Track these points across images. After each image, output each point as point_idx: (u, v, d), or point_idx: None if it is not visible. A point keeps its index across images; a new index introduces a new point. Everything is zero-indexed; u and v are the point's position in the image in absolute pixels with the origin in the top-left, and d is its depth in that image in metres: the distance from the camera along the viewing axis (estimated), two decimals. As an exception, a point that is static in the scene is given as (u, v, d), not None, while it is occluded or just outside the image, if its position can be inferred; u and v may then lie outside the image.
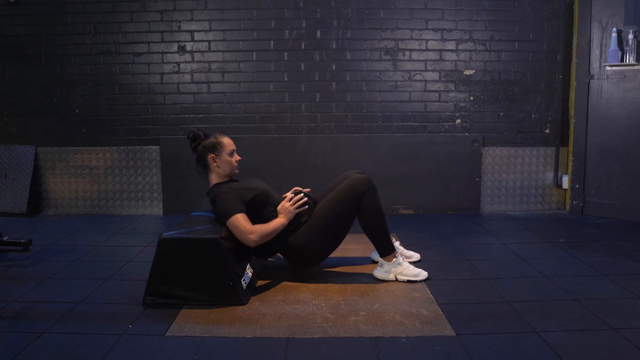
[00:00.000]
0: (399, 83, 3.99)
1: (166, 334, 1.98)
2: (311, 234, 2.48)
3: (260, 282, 2.53)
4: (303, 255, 2.53)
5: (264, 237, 2.39)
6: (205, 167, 2.57)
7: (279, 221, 2.44)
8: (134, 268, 2.77)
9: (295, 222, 2.50)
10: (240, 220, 2.36)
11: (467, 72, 3.98)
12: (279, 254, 2.72)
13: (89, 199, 4.13)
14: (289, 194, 2.54)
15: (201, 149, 2.55)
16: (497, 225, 3.65)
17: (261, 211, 2.50)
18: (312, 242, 2.49)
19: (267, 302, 2.28)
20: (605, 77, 3.73)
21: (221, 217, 2.42)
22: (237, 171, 2.60)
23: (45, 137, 4.09)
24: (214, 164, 2.53)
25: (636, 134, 3.63)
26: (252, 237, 2.36)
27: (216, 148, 2.53)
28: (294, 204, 2.47)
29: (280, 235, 2.47)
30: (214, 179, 2.56)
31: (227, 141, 2.57)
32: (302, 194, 2.53)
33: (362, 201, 2.46)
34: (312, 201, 2.56)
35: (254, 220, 2.43)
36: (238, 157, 2.59)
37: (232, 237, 2.39)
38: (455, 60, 3.97)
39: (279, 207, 2.49)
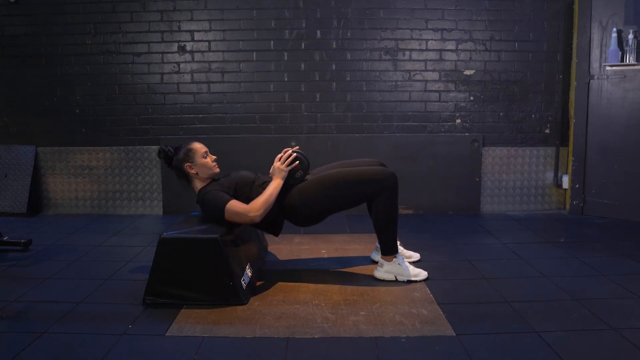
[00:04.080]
0: (399, 83, 3.99)
1: (166, 334, 1.98)
2: (312, 196, 2.47)
3: (260, 282, 2.53)
4: (298, 212, 2.50)
5: (265, 205, 2.37)
6: (187, 178, 2.57)
7: (274, 183, 2.43)
8: (134, 268, 2.77)
9: (291, 179, 2.49)
10: (234, 206, 2.36)
11: (467, 72, 3.98)
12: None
13: (89, 199, 4.13)
14: (279, 155, 2.52)
15: (176, 163, 2.55)
16: (497, 225, 3.65)
17: (247, 194, 2.48)
18: (310, 204, 2.48)
19: (267, 302, 2.28)
20: (605, 77, 3.73)
21: (217, 215, 2.41)
22: (217, 170, 2.58)
23: (45, 137, 4.09)
24: (193, 172, 2.54)
25: (636, 134, 3.63)
26: (254, 213, 2.34)
27: (189, 156, 2.53)
28: (284, 162, 2.47)
29: (281, 197, 2.46)
30: (198, 184, 2.56)
31: (196, 146, 2.56)
32: (290, 151, 2.50)
33: (381, 195, 2.46)
34: (304, 157, 2.52)
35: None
36: (213, 157, 2.59)
37: (231, 237, 2.38)
38: (455, 60, 3.97)
39: (270, 170, 2.49)
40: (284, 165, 2.46)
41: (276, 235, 2.64)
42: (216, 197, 2.40)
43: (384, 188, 2.46)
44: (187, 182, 2.59)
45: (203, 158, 2.54)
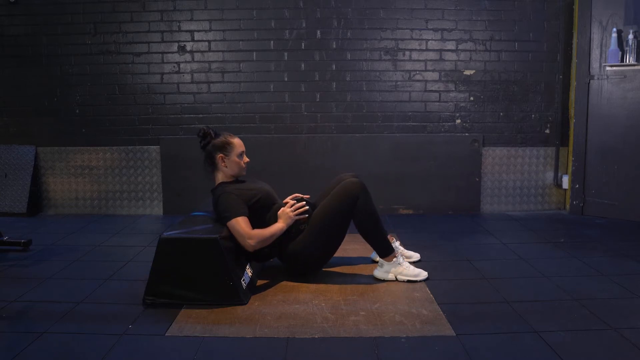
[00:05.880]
0: (399, 83, 3.99)
1: (166, 334, 1.98)
2: (308, 240, 2.48)
3: (260, 282, 2.53)
4: (301, 262, 2.53)
5: (263, 241, 2.39)
6: (213, 166, 2.57)
7: (278, 226, 2.44)
8: (134, 268, 2.77)
9: (294, 229, 2.50)
10: (240, 224, 2.36)
11: (467, 72, 3.98)
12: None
13: (89, 199, 4.13)
14: (289, 200, 2.54)
15: (210, 148, 2.54)
16: (497, 225, 3.65)
17: (263, 214, 2.50)
18: (309, 248, 2.49)
19: (267, 302, 2.28)
20: (605, 77, 3.73)
21: (222, 218, 2.42)
22: (244, 173, 2.60)
23: (45, 137, 4.09)
24: (223, 164, 2.53)
25: (636, 134, 3.63)
26: (251, 241, 2.36)
27: (226, 148, 2.53)
28: (295, 210, 2.47)
29: (277, 241, 2.47)
30: (220, 177, 2.56)
31: (237, 142, 2.57)
32: (303, 202, 2.52)
33: (357, 205, 2.46)
34: (312, 208, 2.56)
35: (255, 223, 2.43)
36: (247, 159, 2.59)
37: (232, 237, 2.38)
38: (455, 60, 3.97)
39: (280, 212, 2.48)
40: (294, 214, 2.46)
41: (257, 261, 2.65)
42: (233, 204, 2.40)
43: (356, 197, 2.46)
44: (211, 169, 2.59)
45: (238, 157, 2.54)
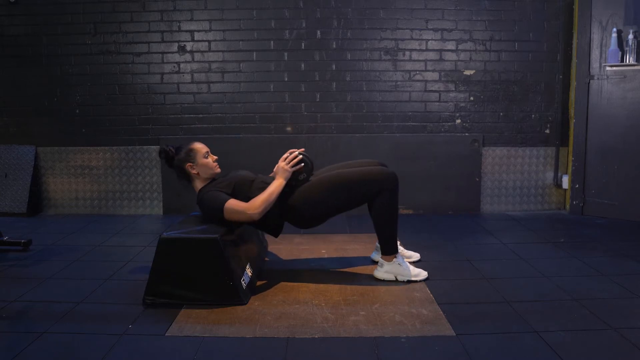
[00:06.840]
0: (399, 83, 3.99)
1: (166, 334, 1.98)
2: (310, 201, 2.47)
3: (260, 282, 2.53)
4: (299, 214, 2.50)
5: (265, 203, 2.36)
6: (187, 178, 2.58)
7: (276, 183, 2.42)
8: (134, 268, 2.77)
9: (293, 181, 2.48)
10: (233, 204, 2.36)
11: (467, 72, 3.98)
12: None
13: (89, 199, 4.13)
14: (284, 155, 2.51)
15: (177, 163, 2.56)
16: (497, 225, 3.65)
17: (246, 194, 2.47)
18: (310, 206, 2.47)
19: (267, 302, 2.28)
20: (605, 77, 3.73)
21: (216, 215, 2.41)
22: (218, 170, 2.59)
23: (45, 137, 4.09)
24: (194, 171, 2.54)
25: (636, 134, 3.63)
26: (252, 211, 2.34)
27: (190, 156, 2.53)
28: (289, 162, 2.46)
29: (282, 198, 2.45)
30: (199, 184, 2.57)
31: (198, 146, 2.57)
32: (296, 152, 2.50)
33: (381, 195, 2.45)
34: (309, 159, 2.52)
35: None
36: (214, 157, 2.59)
37: (231, 237, 2.38)
38: (455, 60, 3.97)
39: (275, 168, 2.49)
40: (289, 166, 2.45)
41: (275, 236, 2.64)
42: (214, 196, 2.40)
43: (384, 188, 2.46)
44: (187, 182, 2.60)
45: (204, 158, 2.54)
